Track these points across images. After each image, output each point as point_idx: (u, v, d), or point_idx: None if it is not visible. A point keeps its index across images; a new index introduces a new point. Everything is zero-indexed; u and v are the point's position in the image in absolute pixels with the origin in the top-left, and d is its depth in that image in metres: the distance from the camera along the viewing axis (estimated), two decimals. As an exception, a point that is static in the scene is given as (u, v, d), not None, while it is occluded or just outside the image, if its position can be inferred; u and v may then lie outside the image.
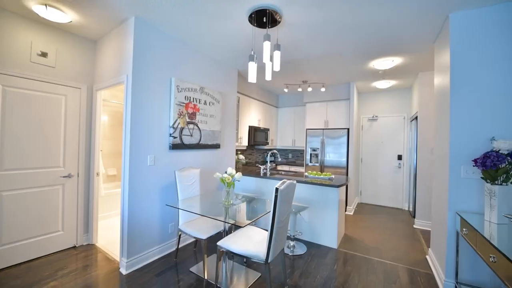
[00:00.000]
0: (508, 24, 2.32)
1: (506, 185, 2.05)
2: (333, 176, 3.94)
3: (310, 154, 5.92)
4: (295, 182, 2.45)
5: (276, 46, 2.57)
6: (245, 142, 5.42)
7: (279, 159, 6.50)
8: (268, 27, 2.83)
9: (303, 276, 2.78)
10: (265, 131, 6.19)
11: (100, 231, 3.72)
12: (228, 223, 2.25)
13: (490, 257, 1.66)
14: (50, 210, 3.07)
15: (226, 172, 2.77)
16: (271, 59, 2.69)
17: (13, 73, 2.72)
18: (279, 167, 6.63)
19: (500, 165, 2.06)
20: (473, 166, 2.27)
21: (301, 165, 6.54)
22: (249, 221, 2.26)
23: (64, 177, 3.18)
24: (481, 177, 2.20)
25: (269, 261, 2.19)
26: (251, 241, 2.42)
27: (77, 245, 3.31)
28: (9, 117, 2.72)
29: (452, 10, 2.50)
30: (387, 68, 4.19)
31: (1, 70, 2.65)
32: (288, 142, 6.89)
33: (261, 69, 4.42)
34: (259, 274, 2.75)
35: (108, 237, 3.61)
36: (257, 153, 6.72)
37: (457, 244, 2.43)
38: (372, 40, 3.22)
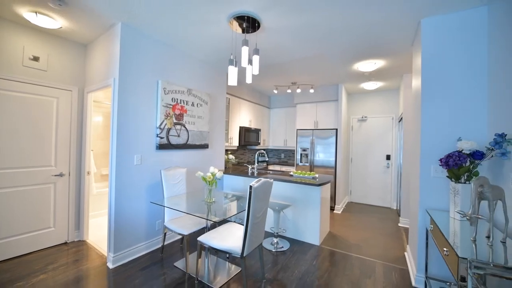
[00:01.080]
0: (474, 29, 2.43)
1: (469, 183, 2.16)
2: (317, 176, 4.05)
3: (301, 154, 6.04)
4: (271, 180, 2.57)
5: (255, 51, 2.70)
6: (235, 142, 5.54)
7: (267, 159, 6.62)
8: (249, 32, 2.95)
9: (282, 270, 2.90)
10: (257, 131, 6.31)
11: (92, 228, 3.86)
12: (205, 219, 2.37)
13: (444, 250, 1.78)
14: (42, 207, 3.21)
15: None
16: (251, 62, 2.81)
17: (5, 77, 2.85)
18: (270, 167, 6.75)
19: (463, 164, 2.17)
20: (439, 165, 2.39)
21: (293, 165, 6.66)
22: (221, 218, 2.39)
23: (55, 175, 3.31)
24: (447, 176, 2.31)
25: (244, 255, 2.31)
26: (230, 237, 2.54)
27: (68, 241, 3.44)
28: (3, 119, 2.86)
29: (423, 15, 2.61)
30: (370, 70, 4.30)
31: (-6, 74, 2.79)
32: (280, 142, 7.01)
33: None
34: (240, 269, 2.87)
35: (99, 234, 3.74)
36: (249, 153, 6.84)
37: (427, 240, 2.55)
38: (352, 43, 3.34)
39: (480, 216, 1.66)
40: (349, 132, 6.40)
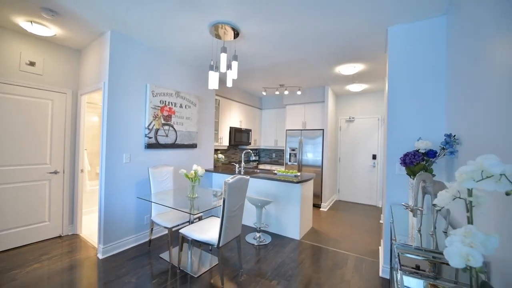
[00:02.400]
0: (435, 37, 2.62)
1: (425, 180, 2.36)
2: (300, 174, 4.26)
3: (290, 154, 6.25)
4: (247, 177, 2.78)
5: (234, 57, 2.91)
6: (225, 142, 5.76)
7: (255, 158, 6.83)
8: (229, 39, 3.16)
9: (260, 262, 3.11)
10: (247, 131, 6.52)
11: (86, 223, 4.06)
12: (186, 212, 2.59)
13: (392, 239, 1.98)
14: (38, 203, 3.43)
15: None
16: (231, 67, 3.01)
17: (4, 81, 3.07)
18: (261, 166, 6.96)
19: (419, 162, 2.37)
20: (400, 163, 2.59)
21: (283, 164, 6.86)
22: (199, 211, 2.61)
23: (50, 173, 3.54)
24: (406, 173, 2.51)
25: (221, 245, 2.52)
26: (209, 229, 2.75)
27: (62, 235, 3.66)
28: (1, 120, 3.08)
29: (389, 24, 2.81)
30: (351, 74, 4.50)
31: (-7, 78, 3.01)
32: (271, 142, 7.22)
33: (239, 75, 4.75)
34: (221, 260, 3.08)
35: (93, 228, 3.95)
36: (240, 153, 7.05)
37: (391, 233, 2.75)
38: (329, 49, 3.54)
39: (420, 208, 1.86)
40: (337, 132, 6.60)
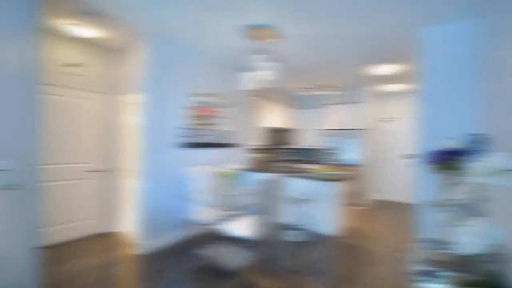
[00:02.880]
0: (469, 38, 2.64)
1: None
2: (336, 173, 4.37)
3: (328, 153, 6.42)
4: (284, 176, 2.98)
5: (272, 58, 3.15)
6: (263, 142, 5.96)
7: (295, 158, 6.99)
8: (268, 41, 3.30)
9: (296, 258, 3.25)
10: (285, 131, 6.76)
11: (126, 221, 4.01)
12: (224, 211, 2.82)
13: (419, 235, 2.07)
14: (80, 200, 3.63)
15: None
16: (268, 68, 3.18)
17: (48, 82, 3.17)
18: (298, 165, 6.98)
19: (446, 160, 2.42)
20: (427, 161, 2.62)
21: (321, 163, 6.88)
22: (237, 210, 2.83)
23: (93, 171, 3.73)
24: (434, 172, 2.55)
25: (257, 242, 2.71)
26: (246, 227, 2.93)
27: (104, 232, 3.84)
28: (47, 119, 3.19)
29: (423, 26, 2.86)
30: (386, 74, 4.52)
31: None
32: (308, 142, 7.24)
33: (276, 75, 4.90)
34: (256, 255, 3.15)
35: (133, 226, 3.78)
36: (278, 152, 7.09)
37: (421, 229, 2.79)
38: (366, 49, 3.63)
39: (445, 205, 1.93)
40: (375, 132, 6.59)
